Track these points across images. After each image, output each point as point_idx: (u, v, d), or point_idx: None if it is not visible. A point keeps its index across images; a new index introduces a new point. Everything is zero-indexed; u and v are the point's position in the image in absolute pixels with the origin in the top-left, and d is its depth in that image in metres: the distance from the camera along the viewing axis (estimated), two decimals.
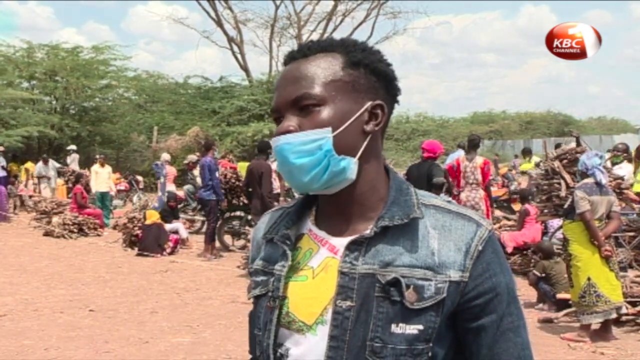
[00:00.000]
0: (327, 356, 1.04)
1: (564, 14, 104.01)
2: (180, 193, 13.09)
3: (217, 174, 9.50)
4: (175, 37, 78.59)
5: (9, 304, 6.79)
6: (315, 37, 27.62)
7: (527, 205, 8.73)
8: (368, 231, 1.06)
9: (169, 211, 11.27)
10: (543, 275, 6.58)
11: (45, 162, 16.27)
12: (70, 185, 15.24)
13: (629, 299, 5.85)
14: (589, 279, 5.37)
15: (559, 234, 7.17)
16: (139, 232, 10.34)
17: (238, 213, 10.46)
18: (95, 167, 13.99)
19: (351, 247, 1.06)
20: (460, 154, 10.61)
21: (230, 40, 28.41)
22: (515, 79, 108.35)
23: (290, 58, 1.14)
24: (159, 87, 27.94)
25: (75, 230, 11.86)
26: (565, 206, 5.91)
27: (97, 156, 15.16)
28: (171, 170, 13.77)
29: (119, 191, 16.47)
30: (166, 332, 5.76)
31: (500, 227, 8.89)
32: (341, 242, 1.08)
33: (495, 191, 13.07)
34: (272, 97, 1.16)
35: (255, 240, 1.22)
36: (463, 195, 8.02)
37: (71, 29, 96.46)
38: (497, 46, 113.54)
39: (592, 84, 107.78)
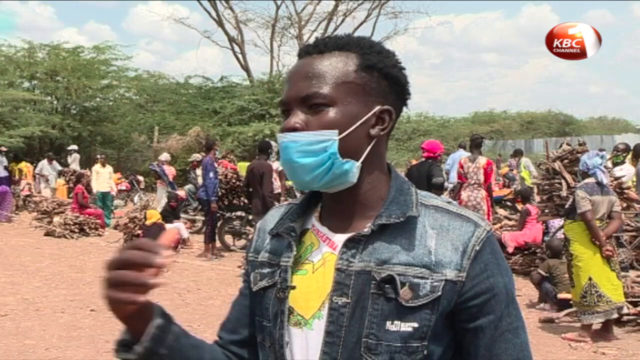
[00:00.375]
0: (323, 351, 1.05)
1: (565, 14, 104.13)
2: (182, 193, 13.10)
3: (211, 175, 9.45)
4: (176, 37, 78.76)
5: (10, 303, 6.80)
6: (316, 37, 27.63)
7: (528, 205, 8.73)
8: (366, 229, 1.07)
9: (170, 211, 11.28)
10: (547, 274, 6.58)
11: (50, 161, 16.30)
12: (71, 185, 15.25)
13: (630, 299, 5.85)
14: (590, 279, 5.37)
15: (560, 234, 7.16)
16: (139, 232, 10.34)
17: (239, 213, 10.46)
18: (97, 167, 14.00)
19: (348, 244, 1.07)
20: (461, 154, 10.62)
21: (231, 40, 28.41)
22: (516, 79, 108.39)
23: (306, 52, 1.14)
24: (160, 87, 27.94)
25: (77, 230, 11.87)
26: (567, 206, 5.92)
27: (98, 156, 15.17)
28: (170, 170, 13.77)
29: (120, 191, 16.49)
30: None
31: (501, 227, 8.88)
32: (340, 239, 1.09)
33: (500, 191, 13.07)
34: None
35: (262, 231, 1.23)
36: (464, 195, 8.01)
37: (72, 29, 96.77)
38: (498, 46, 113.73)
39: (593, 84, 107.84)
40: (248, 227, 10.26)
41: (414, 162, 12.67)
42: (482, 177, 7.99)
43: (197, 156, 13.63)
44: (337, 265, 1.06)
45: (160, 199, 12.80)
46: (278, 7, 28.63)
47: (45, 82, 24.10)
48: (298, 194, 11.48)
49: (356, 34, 1.19)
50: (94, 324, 6.00)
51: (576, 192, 5.51)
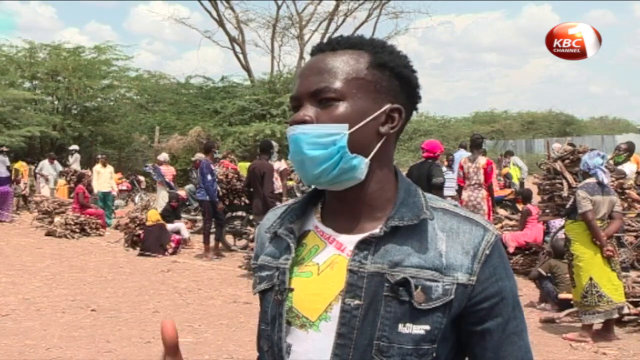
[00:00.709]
0: (334, 353, 1.04)
1: (566, 13, 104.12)
2: (183, 193, 13.10)
3: (208, 177, 9.44)
4: (176, 37, 78.59)
5: (11, 303, 6.80)
6: (317, 37, 27.69)
7: (529, 205, 8.74)
8: (377, 230, 1.07)
9: (171, 211, 11.28)
10: (549, 274, 6.57)
11: (52, 161, 16.29)
12: (72, 185, 15.25)
13: (631, 299, 5.85)
14: (590, 279, 5.37)
15: (561, 234, 7.16)
16: (140, 232, 10.35)
17: (239, 213, 10.46)
18: (97, 167, 14.00)
19: (361, 246, 1.07)
20: (462, 154, 10.62)
21: (232, 40, 28.40)
22: (517, 79, 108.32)
23: (318, 49, 1.14)
24: (161, 87, 27.94)
25: (77, 230, 11.87)
26: (567, 206, 5.91)
27: (99, 156, 15.17)
28: (169, 170, 13.75)
29: (120, 191, 16.47)
30: None
31: (502, 227, 8.88)
32: (349, 240, 1.09)
33: (501, 191, 13.05)
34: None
35: (260, 237, 1.23)
36: (465, 195, 8.02)
37: (73, 29, 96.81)
38: (499, 46, 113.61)
39: (594, 84, 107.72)
40: (249, 227, 10.27)
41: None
42: (482, 177, 8.00)
43: (200, 156, 13.62)
44: (350, 267, 1.06)
45: (160, 199, 12.79)
46: (279, 7, 28.68)
47: (46, 82, 24.11)
48: (299, 194, 11.50)
49: (356, 34, 1.19)
50: (95, 324, 6.00)
51: (577, 192, 5.51)
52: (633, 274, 7.21)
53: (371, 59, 1.10)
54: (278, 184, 10.37)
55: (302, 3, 35.51)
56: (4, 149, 16.42)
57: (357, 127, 1.07)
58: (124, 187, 17.11)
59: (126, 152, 25.63)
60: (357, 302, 1.04)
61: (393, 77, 1.11)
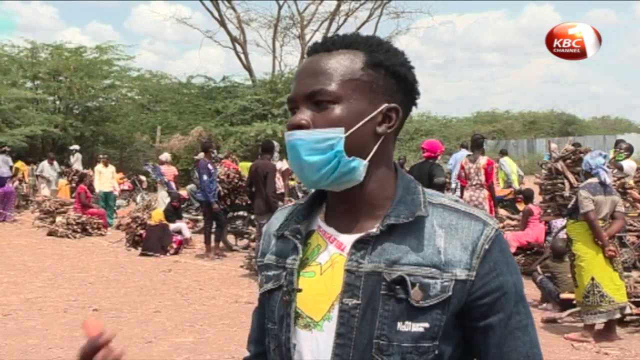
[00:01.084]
0: (334, 353, 1.04)
1: (567, 13, 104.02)
2: (184, 193, 13.11)
3: (204, 177, 9.44)
4: (178, 37, 78.67)
5: (13, 303, 6.81)
6: (318, 37, 27.65)
7: (530, 205, 8.73)
8: (374, 229, 1.06)
9: (172, 211, 11.29)
10: (547, 275, 6.57)
11: (51, 162, 16.30)
12: (73, 185, 15.27)
13: (633, 299, 5.83)
14: (592, 278, 5.36)
15: (562, 234, 7.15)
16: (142, 232, 10.36)
17: (241, 213, 10.46)
18: (99, 166, 14.00)
19: (357, 245, 1.06)
20: (463, 154, 10.60)
21: (234, 40, 28.43)
22: (519, 79, 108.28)
23: (314, 50, 1.14)
24: (162, 87, 27.99)
25: (79, 230, 11.88)
26: (569, 206, 5.90)
27: (101, 156, 15.16)
28: (170, 170, 13.75)
29: (122, 191, 16.49)
30: (169, 332, 5.76)
31: (503, 227, 8.88)
32: (349, 239, 1.09)
33: (501, 191, 13.03)
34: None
35: (268, 234, 1.23)
36: (467, 195, 8.00)
37: (75, 29, 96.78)
38: (500, 46, 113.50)
39: (595, 84, 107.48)
40: (250, 227, 10.26)
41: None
42: (483, 177, 7.99)
43: (202, 155, 13.63)
44: (347, 267, 1.06)
45: (160, 199, 12.80)
46: (280, 7, 28.67)
47: (47, 82, 24.17)
48: (300, 194, 11.50)
49: (354, 33, 1.18)
50: None
51: (579, 192, 5.50)
52: (635, 273, 7.19)
53: (366, 58, 1.09)
54: (280, 184, 10.36)
55: (303, 3, 35.53)
56: (6, 148, 16.45)
57: (353, 129, 1.06)
58: (126, 187, 17.13)
59: (128, 152, 25.67)
60: (355, 301, 1.04)
61: (389, 76, 1.10)
